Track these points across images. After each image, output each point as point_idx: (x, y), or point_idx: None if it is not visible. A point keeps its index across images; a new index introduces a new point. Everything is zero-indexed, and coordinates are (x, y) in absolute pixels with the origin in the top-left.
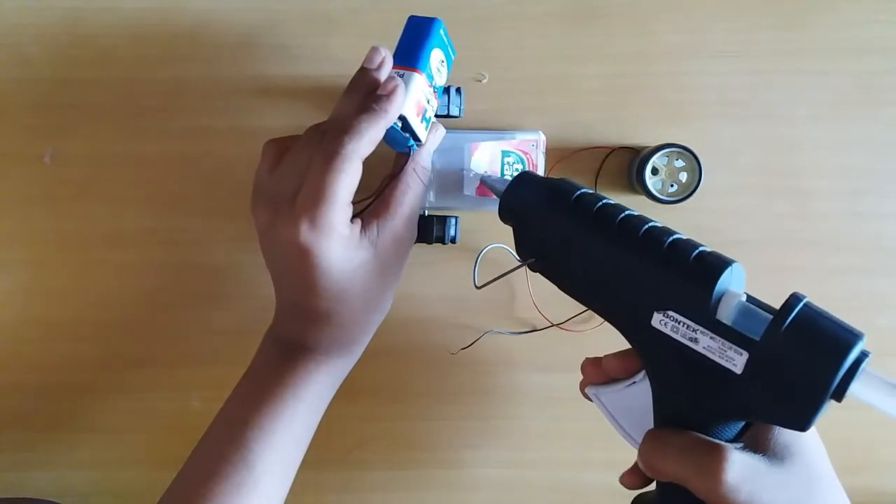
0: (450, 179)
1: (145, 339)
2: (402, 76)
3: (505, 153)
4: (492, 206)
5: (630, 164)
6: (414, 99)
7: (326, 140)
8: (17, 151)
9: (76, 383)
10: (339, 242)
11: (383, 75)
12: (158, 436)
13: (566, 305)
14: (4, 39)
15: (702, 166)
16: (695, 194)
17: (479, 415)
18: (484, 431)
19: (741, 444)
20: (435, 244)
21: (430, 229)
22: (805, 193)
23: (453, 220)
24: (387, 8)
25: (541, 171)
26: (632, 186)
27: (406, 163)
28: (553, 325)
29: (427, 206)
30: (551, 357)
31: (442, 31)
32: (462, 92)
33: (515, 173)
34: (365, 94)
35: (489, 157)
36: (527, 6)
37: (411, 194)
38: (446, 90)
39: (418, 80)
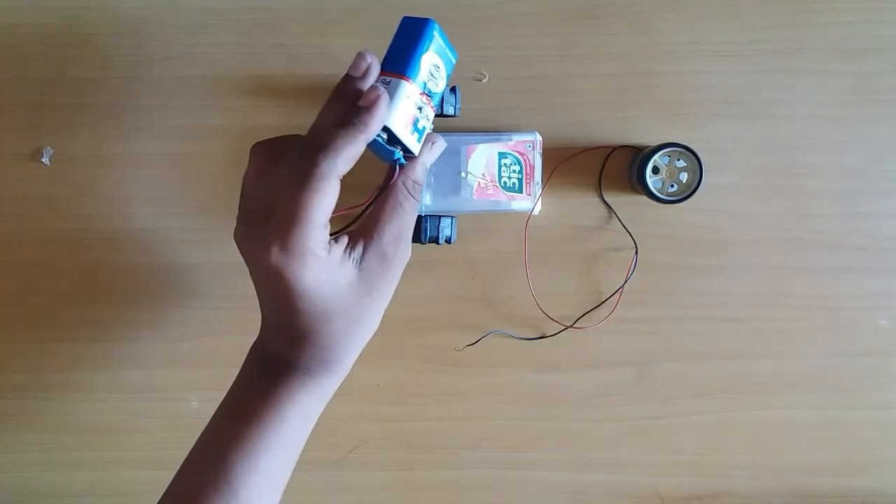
0: (447, 182)
1: (145, 339)
2: (388, 84)
3: (501, 155)
4: (491, 208)
5: (631, 163)
6: (402, 109)
7: (300, 157)
8: (17, 151)
9: (76, 383)
10: (314, 265)
11: (367, 84)
12: (158, 436)
13: (567, 303)
14: (4, 39)
15: (703, 166)
16: (695, 194)
17: (479, 415)
18: (484, 431)
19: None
20: (429, 244)
21: (423, 229)
22: (805, 193)
23: (449, 220)
24: (386, 7)
25: (538, 173)
26: (632, 186)
27: (395, 177)
28: (566, 328)
29: (424, 209)
30: (552, 357)
31: (436, 33)
32: (458, 91)
33: (514, 175)
34: (346, 105)
35: (486, 160)
36: (526, 6)
37: (400, 212)
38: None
39: (407, 88)
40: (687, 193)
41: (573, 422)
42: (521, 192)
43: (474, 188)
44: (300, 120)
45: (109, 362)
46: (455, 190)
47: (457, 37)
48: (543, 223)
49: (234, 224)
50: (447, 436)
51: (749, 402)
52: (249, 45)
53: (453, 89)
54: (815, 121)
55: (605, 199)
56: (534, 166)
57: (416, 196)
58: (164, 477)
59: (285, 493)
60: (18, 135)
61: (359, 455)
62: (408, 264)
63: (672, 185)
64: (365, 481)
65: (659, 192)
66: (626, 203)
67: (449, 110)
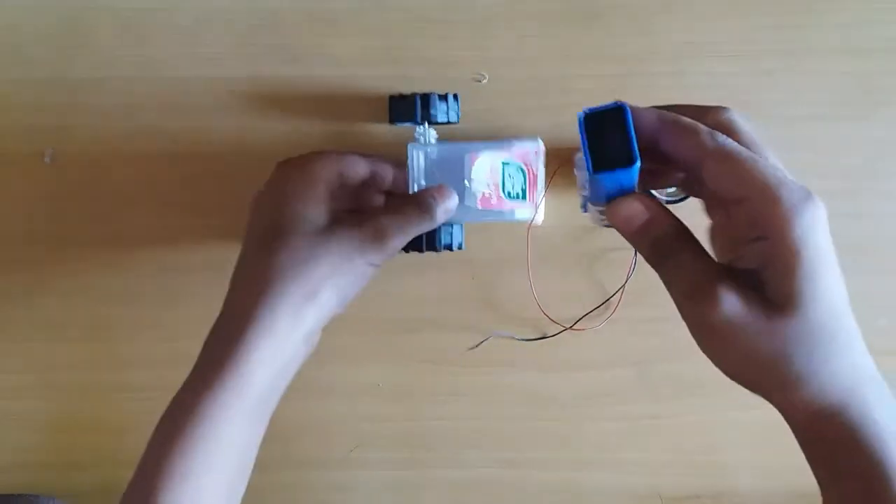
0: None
1: (145, 339)
2: None
3: (505, 164)
4: (494, 218)
5: None
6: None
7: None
8: (17, 151)
9: (76, 383)
10: None
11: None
12: None
13: (568, 304)
14: (5, 39)
15: None
16: None
17: (479, 415)
18: (484, 431)
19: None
20: (441, 251)
21: (437, 237)
22: None
23: (459, 228)
24: (387, 8)
25: (541, 181)
26: None
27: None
28: (565, 329)
29: None
30: (552, 357)
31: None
32: (459, 98)
33: (517, 184)
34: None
35: (489, 168)
36: (527, 6)
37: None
38: (444, 97)
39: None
40: (686, 194)
41: (573, 422)
42: (524, 200)
43: (479, 198)
44: (300, 120)
45: (110, 362)
46: (459, 199)
47: (457, 37)
48: (544, 224)
49: (233, 225)
50: (447, 436)
51: (749, 402)
52: (250, 46)
53: (455, 96)
54: (815, 121)
55: None
56: (537, 175)
57: (431, 218)
58: None
59: (286, 492)
60: (20, 135)
61: (359, 455)
62: (409, 265)
63: (672, 185)
64: (365, 481)
65: (658, 192)
66: None
67: (452, 117)
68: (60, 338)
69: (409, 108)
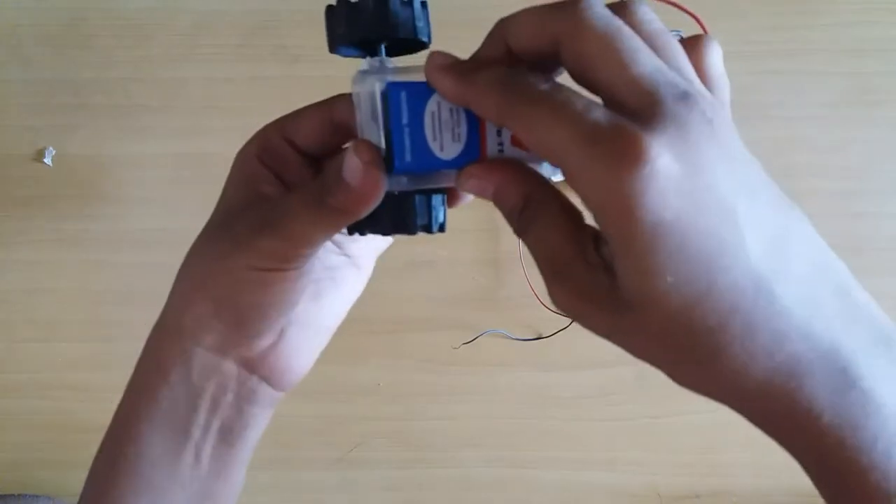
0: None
1: (144, 339)
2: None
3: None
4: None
5: None
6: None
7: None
8: (18, 151)
9: (76, 383)
10: None
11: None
12: None
13: None
14: (5, 39)
15: None
16: None
17: (479, 414)
18: (484, 431)
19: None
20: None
21: (414, 212)
22: (804, 193)
23: (440, 199)
24: None
25: None
26: None
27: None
28: (571, 323)
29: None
30: (552, 356)
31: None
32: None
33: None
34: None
35: None
36: (526, 6)
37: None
38: (408, 2)
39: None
40: None
41: (573, 421)
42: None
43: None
44: None
45: (110, 362)
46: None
47: (457, 38)
48: None
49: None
50: (447, 435)
51: None
52: (250, 47)
53: (423, 3)
54: (814, 121)
55: None
56: None
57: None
58: None
59: (285, 491)
60: (20, 135)
61: (358, 454)
62: (408, 264)
63: None
64: (364, 480)
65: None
66: None
67: (421, 33)
68: (60, 338)
69: (357, 20)
